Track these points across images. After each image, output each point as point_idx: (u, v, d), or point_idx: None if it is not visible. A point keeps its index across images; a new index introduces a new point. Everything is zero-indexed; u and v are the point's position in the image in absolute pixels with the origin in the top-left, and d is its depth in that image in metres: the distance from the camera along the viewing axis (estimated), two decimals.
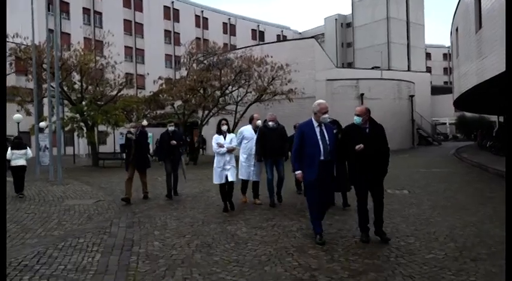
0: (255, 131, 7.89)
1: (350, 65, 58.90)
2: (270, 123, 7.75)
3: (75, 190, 11.04)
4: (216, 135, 7.39)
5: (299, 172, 5.09)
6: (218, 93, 21.08)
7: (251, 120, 8.13)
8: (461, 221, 6.15)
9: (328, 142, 5.01)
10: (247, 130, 8.01)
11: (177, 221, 6.62)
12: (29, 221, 6.86)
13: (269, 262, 4.42)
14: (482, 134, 25.70)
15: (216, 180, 7.27)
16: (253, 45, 30.12)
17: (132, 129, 8.94)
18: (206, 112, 21.46)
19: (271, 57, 20.56)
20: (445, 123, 50.68)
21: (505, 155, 7.85)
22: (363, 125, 5.13)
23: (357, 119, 5.13)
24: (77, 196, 9.90)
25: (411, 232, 5.52)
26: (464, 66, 17.10)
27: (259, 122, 7.97)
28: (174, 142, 8.96)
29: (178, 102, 23.18)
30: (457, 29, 19.24)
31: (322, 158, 4.94)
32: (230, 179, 7.18)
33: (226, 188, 7.28)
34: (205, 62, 22.72)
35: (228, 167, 7.18)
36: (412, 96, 31.01)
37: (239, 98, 21.50)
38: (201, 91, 20.62)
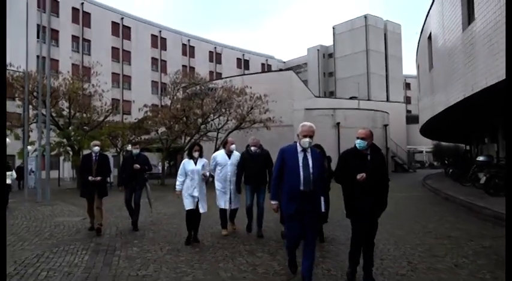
0: (229, 156, 7.44)
1: (332, 94, 61.34)
2: (253, 148, 7.33)
3: (62, 209, 12.07)
4: (186, 160, 6.97)
5: (275, 202, 4.61)
6: (200, 120, 22.45)
7: (225, 145, 7.74)
8: (389, 232, 7.47)
9: (311, 170, 4.32)
10: (220, 155, 7.53)
11: (154, 234, 7.79)
12: (24, 233, 7.96)
13: (227, 257, 5.68)
14: (448, 162, 27.44)
15: (186, 206, 6.80)
16: (234, 76, 31.80)
17: (95, 148, 8.18)
18: (188, 138, 22.73)
19: (251, 88, 22.12)
20: (422, 152, 52.82)
21: (461, 181, 8.96)
22: (365, 151, 4.51)
23: (361, 144, 4.46)
24: (64, 214, 10.96)
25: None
26: (423, 100, 18.92)
27: (233, 147, 7.53)
28: (137, 166, 8.14)
29: (162, 129, 24.46)
30: (418, 66, 21.22)
31: (302, 188, 4.28)
32: (201, 210, 6.82)
33: (194, 216, 6.81)
34: (188, 91, 24.20)
35: (196, 194, 6.77)
36: (386, 125, 32.89)
37: (220, 126, 22.89)
38: (184, 119, 21.97)
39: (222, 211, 7.50)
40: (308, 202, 4.31)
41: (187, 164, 6.90)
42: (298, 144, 4.46)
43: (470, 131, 21.46)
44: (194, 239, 6.79)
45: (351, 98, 41.45)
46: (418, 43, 19.87)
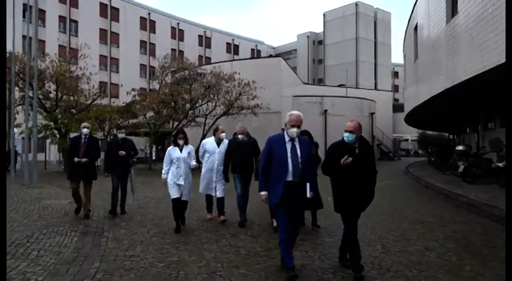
0: (218, 144, 7.39)
1: (320, 81, 61.52)
2: (240, 136, 7.23)
3: (50, 192, 12.20)
4: (171, 148, 6.89)
5: (264, 193, 4.37)
6: (188, 106, 22.53)
7: (215, 132, 7.60)
8: (367, 218, 7.81)
9: (300, 160, 4.24)
10: (209, 143, 7.51)
11: (141, 217, 8.03)
12: (13, 215, 8.11)
13: (211, 240, 5.97)
14: (431, 151, 28.05)
15: (172, 194, 6.71)
16: (223, 61, 31.74)
17: (84, 130, 7.91)
18: (176, 123, 22.82)
19: (239, 74, 22.21)
20: (407, 140, 53.65)
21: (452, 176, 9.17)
22: (352, 144, 4.44)
23: (349, 137, 4.40)
24: (52, 197, 11.11)
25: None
26: (408, 89, 19.29)
27: (223, 135, 7.45)
28: (123, 153, 8.04)
29: (150, 113, 24.47)
30: (405, 56, 21.54)
31: (290, 179, 4.21)
32: (184, 198, 6.79)
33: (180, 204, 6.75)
34: (176, 76, 24.18)
35: (181, 182, 6.70)
36: (372, 113, 33.31)
37: (208, 111, 23.01)
38: (172, 104, 22.02)
39: (208, 196, 7.57)
40: (296, 193, 4.25)
41: (172, 151, 6.80)
42: (285, 133, 4.32)
43: (453, 121, 21.99)
44: (181, 221, 6.83)
45: (339, 85, 41.68)
46: (405, 33, 20.14)
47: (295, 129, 4.25)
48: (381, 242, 5.96)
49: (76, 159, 7.66)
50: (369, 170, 4.46)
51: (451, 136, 32.05)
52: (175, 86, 22.21)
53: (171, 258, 5.14)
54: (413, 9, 16.70)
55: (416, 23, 16.02)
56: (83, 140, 7.86)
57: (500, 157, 12.48)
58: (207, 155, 7.42)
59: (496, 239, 6.19)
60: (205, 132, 22.19)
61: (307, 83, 42.51)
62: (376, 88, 54.43)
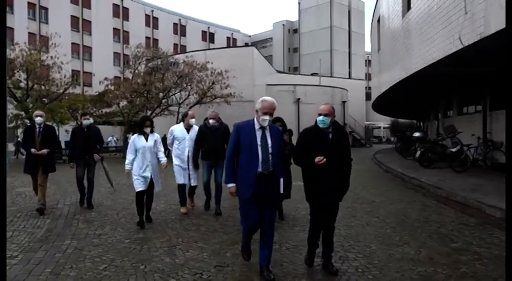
0: (187, 130, 7.14)
1: (296, 70, 62.16)
2: (211, 121, 7.00)
3: (22, 180, 12.44)
4: (136, 136, 6.36)
5: (232, 185, 4.04)
6: (161, 95, 22.81)
7: (184, 118, 7.33)
8: None
9: (270, 150, 3.94)
10: (177, 129, 7.20)
11: (112, 201, 8.51)
12: None
13: (175, 219, 6.55)
14: (398, 137, 29.26)
15: (137, 187, 6.26)
16: (197, 50, 31.94)
17: (38, 118, 7.32)
18: (150, 112, 23.09)
19: (212, 63, 22.59)
20: (380, 127, 55.21)
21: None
22: (326, 128, 4.15)
23: (324, 120, 4.08)
24: (25, 185, 11.38)
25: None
26: (373, 78, 20.18)
27: (192, 121, 7.18)
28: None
29: (123, 102, 24.60)
30: (372, 46, 22.38)
31: (260, 170, 3.91)
32: (156, 189, 6.51)
33: (146, 196, 6.38)
34: (150, 65, 24.36)
35: (147, 174, 6.29)
36: (344, 101, 34.33)
37: (181, 100, 23.35)
38: (145, 93, 22.26)
39: (181, 187, 7.21)
40: (267, 186, 3.94)
41: (137, 140, 6.30)
42: (255, 121, 3.99)
43: (415, 110, 23.07)
44: (147, 218, 6.44)
45: (312, 74, 42.50)
46: (371, 24, 20.94)
47: (267, 117, 3.91)
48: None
49: (33, 150, 7.10)
50: (344, 157, 4.18)
51: (419, 123, 33.31)
52: (149, 75, 22.42)
53: (137, 235, 5.69)
54: (377, 1, 17.44)
55: (379, 15, 16.78)
56: (37, 129, 7.28)
57: (454, 143, 13.44)
58: (176, 142, 7.14)
59: (431, 215, 6.99)
60: (178, 121, 22.54)
61: (281, 72, 43.11)
62: (350, 77, 55.60)
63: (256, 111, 3.99)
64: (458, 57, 8.36)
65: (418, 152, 13.89)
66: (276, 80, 33.13)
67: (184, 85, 22.81)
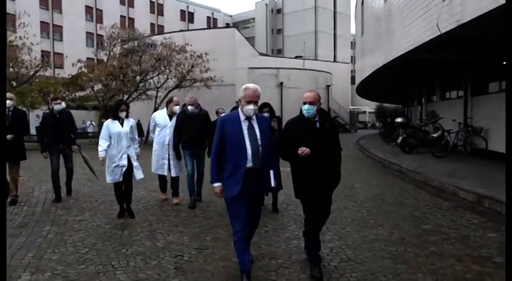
0: (170, 117, 7.06)
1: (279, 52, 62.25)
2: (190, 108, 6.86)
3: None
4: (110, 121, 6.14)
5: (217, 184, 3.84)
6: (138, 78, 22.77)
7: (168, 104, 7.19)
8: None
9: (260, 142, 3.76)
10: (160, 116, 7.17)
11: (90, 189, 8.74)
12: None
13: (155, 205, 6.84)
14: (382, 123, 29.98)
15: (109, 178, 6.10)
16: (175, 31, 31.75)
17: (7, 101, 6.93)
18: (126, 96, 23.04)
19: (191, 45, 22.60)
20: (365, 112, 56.10)
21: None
22: (312, 118, 4.02)
23: (309, 109, 3.95)
24: None
25: None
26: (357, 62, 20.62)
27: (176, 108, 7.06)
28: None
29: (98, 86, 24.46)
30: (356, 29, 22.77)
31: (250, 165, 3.73)
32: (137, 177, 6.23)
33: (123, 187, 6.21)
34: (126, 47, 24.21)
35: (123, 162, 6.06)
36: (328, 86, 34.79)
37: (159, 84, 23.36)
38: (121, 76, 22.19)
39: (161, 177, 7.29)
40: (256, 181, 3.78)
41: (111, 125, 6.08)
42: (240, 111, 3.80)
43: (399, 95, 23.68)
44: (128, 211, 6.26)
45: (296, 57, 42.75)
46: (356, 7, 21.27)
47: (251, 107, 3.71)
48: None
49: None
50: (333, 148, 4.08)
51: (404, 108, 34.06)
52: (125, 57, 22.31)
53: (117, 221, 5.97)
54: None
55: None
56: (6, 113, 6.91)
57: (435, 129, 13.99)
58: (158, 129, 7.09)
59: (407, 199, 7.46)
60: (157, 105, 22.61)
61: (264, 54, 43.17)
62: (335, 60, 56.01)
63: (239, 100, 3.80)
64: (437, 44, 8.77)
65: (400, 138, 14.43)
66: (258, 63, 33.24)
67: (163, 68, 22.78)
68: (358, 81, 20.85)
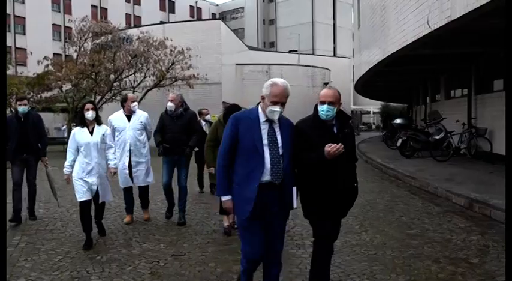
0: (129, 118, 6.88)
1: (272, 45, 63.18)
2: (169, 105, 6.82)
3: None
4: (77, 130, 5.82)
5: (227, 198, 3.55)
6: (112, 77, 23.28)
7: (123, 103, 7.03)
8: None
9: (281, 151, 3.50)
10: (116, 118, 6.96)
11: (60, 198, 9.27)
12: None
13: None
14: (383, 124, 30.71)
15: (79, 197, 5.76)
16: (153, 24, 32.29)
17: None
18: (99, 98, 23.52)
19: (171, 40, 23.16)
20: (369, 112, 56.92)
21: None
22: (329, 121, 3.69)
23: (329, 111, 3.61)
24: None
25: None
26: (355, 57, 21.39)
27: (134, 105, 6.93)
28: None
29: (67, 86, 24.90)
30: (353, 22, 23.58)
31: (267, 178, 3.44)
32: (102, 199, 6.00)
33: (95, 204, 6.02)
34: (98, 42, 24.72)
35: (93, 179, 5.77)
36: (326, 83, 35.51)
37: (136, 83, 23.88)
38: (93, 75, 22.68)
39: (125, 191, 7.06)
40: (275, 200, 3.50)
41: (78, 134, 5.77)
42: (260, 111, 3.54)
43: (403, 93, 24.46)
44: (99, 229, 6.20)
45: (290, 51, 43.53)
46: None
47: (278, 109, 3.43)
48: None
49: None
50: (350, 158, 3.80)
51: (407, 108, 34.89)
52: (97, 54, 22.82)
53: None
54: None
55: None
56: None
57: (438, 130, 14.68)
58: (116, 134, 6.84)
59: (397, 205, 8.11)
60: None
61: (254, 49, 43.90)
62: (334, 54, 57.02)
63: (263, 98, 3.51)
64: (432, 40, 9.47)
65: (400, 141, 15.11)
66: (247, 59, 33.96)
67: (140, 66, 23.32)
68: (356, 78, 21.56)
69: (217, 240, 5.97)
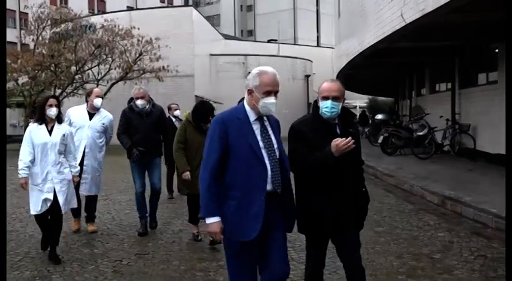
0: (91, 115, 6.69)
1: (251, 34, 63.49)
2: (139, 102, 6.55)
3: None
4: (35, 127, 5.49)
5: (215, 219, 3.11)
6: (74, 69, 23.42)
7: (87, 97, 6.84)
8: None
9: (277, 152, 3.24)
10: (76, 113, 6.79)
11: (18, 199, 9.60)
12: None
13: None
14: (360, 119, 31.26)
15: (32, 208, 5.50)
16: (118, 11, 32.32)
17: None
18: (59, 91, 23.63)
19: (139, 29, 23.39)
20: (355, 107, 57.67)
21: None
22: (332, 119, 3.50)
23: (333, 107, 3.41)
24: None
25: None
26: (335, 49, 22.04)
27: (98, 101, 6.68)
28: None
29: (24, 78, 24.94)
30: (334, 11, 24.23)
31: (269, 188, 3.15)
32: (64, 209, 5.57)
33: (51, 219, 5.63)
34: (57, 30, 24.81)
35: (50, 185, 5.41)
36: (308, 76, 36.14)
37: (100, 76, 24.05)
38: (52, 67, 22.81)
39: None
40: (278, 213, 3.23)
41: (35, 133, 5.45)
42: (247, 108, 3.22)
43: (387, 87, 25.22)
44: (51, 255, 5.50)
45: (269, 41, 43.91)
46: None
47: (272, 100, 3.14)
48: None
49: None
50: (355, 160, 3.58)
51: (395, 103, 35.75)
52: (56, 43, 22.95)
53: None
54: None
55: None
56: None
57: (421, 126, 15.35)
58: (73, 129, 6.37)
59: (371, 204, 8.58)
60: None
61: (230, 38, 44.15)
62: (318, 43, 57.59)
63: (250, 91, 3.17)
64: (408, 33, 10.06)
65: (381, 138, 15.74)
66: (222, 49, 34.28)
67: (104, 57, 23.51)
68: (336, 71, 22.17)
69: (183, 239, 6.43)
